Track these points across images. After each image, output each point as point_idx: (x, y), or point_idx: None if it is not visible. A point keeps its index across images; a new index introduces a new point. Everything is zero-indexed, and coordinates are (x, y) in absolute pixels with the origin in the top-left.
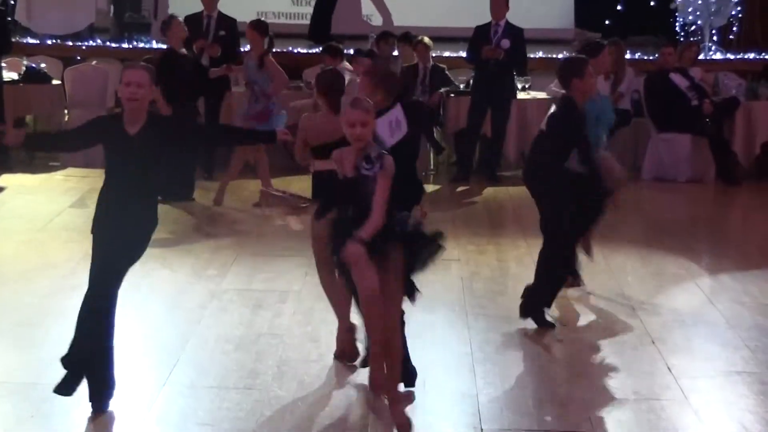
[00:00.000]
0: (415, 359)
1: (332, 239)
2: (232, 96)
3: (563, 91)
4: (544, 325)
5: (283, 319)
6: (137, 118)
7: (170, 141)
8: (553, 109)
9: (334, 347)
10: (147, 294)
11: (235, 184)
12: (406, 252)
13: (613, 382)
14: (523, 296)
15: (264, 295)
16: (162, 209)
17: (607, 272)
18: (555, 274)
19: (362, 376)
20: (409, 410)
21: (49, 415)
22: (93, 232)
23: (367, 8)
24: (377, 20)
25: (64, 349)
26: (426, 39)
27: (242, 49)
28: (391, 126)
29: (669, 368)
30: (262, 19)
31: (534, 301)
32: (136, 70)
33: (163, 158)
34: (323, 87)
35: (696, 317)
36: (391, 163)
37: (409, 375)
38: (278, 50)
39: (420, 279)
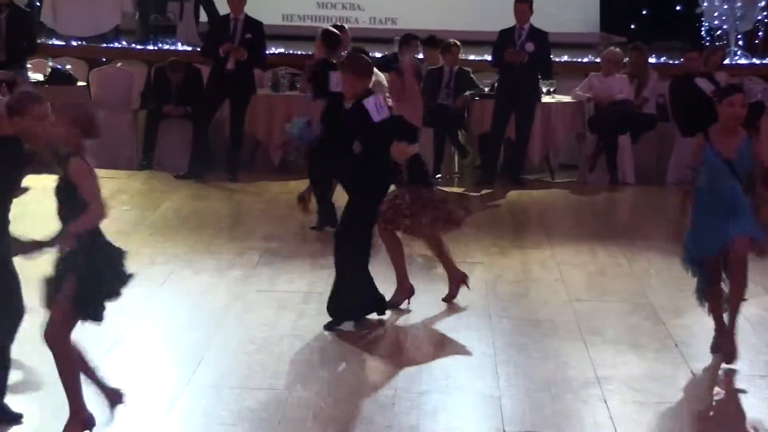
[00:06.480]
0: (439, 361)
1: None
2: (258, 99)
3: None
4: None
5: (306, 320)
6: None
7: None
8: None
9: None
10: (170, 294)
11: (260, 186)
12: None
13: (636, 386)
14: None
15: (287, 296)
16: (185, 211)
17: (630, 276)
18: None
19: (386, 375)
20: (432, 411)
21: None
22: None
23: (391, 12)
24: (402, 23)
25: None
26: (457, 42)
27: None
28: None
29: (692, 372)
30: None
31: None
32: None
33: None
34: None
35: None
36: None
37: None
38: (302, 53)
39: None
